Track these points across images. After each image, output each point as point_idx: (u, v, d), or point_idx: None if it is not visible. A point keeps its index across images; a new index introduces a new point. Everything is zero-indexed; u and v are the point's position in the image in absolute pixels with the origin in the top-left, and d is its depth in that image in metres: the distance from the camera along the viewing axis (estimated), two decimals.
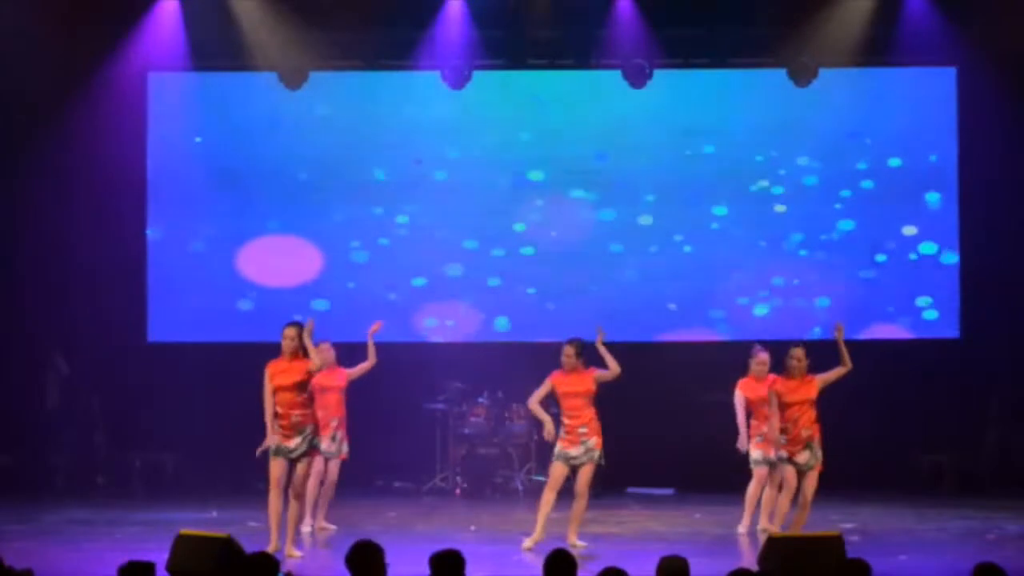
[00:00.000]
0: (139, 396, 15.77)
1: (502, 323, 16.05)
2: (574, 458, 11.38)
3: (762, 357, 12.24)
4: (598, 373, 11.48)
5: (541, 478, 15.39)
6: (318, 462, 12.21)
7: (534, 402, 11.61)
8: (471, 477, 15.40)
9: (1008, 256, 15.72)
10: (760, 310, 16.00)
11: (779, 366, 11.55)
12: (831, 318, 14.28)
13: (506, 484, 15.36)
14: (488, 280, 16.09)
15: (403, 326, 15.79)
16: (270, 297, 16.01)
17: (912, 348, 15.86)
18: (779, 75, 15.57)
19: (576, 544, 11.27)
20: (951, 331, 15.93)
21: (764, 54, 15.67)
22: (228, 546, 7.48)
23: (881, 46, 15.53)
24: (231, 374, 15.59)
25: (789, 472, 11.28)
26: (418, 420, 15.67)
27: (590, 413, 11.42)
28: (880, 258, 15.98)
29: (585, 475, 11.42)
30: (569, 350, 11.50)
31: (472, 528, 12.66)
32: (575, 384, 11.44)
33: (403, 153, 16.08)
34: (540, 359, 15.80)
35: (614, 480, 14.60)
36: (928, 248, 15.99)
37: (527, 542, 11.28)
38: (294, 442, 10.87)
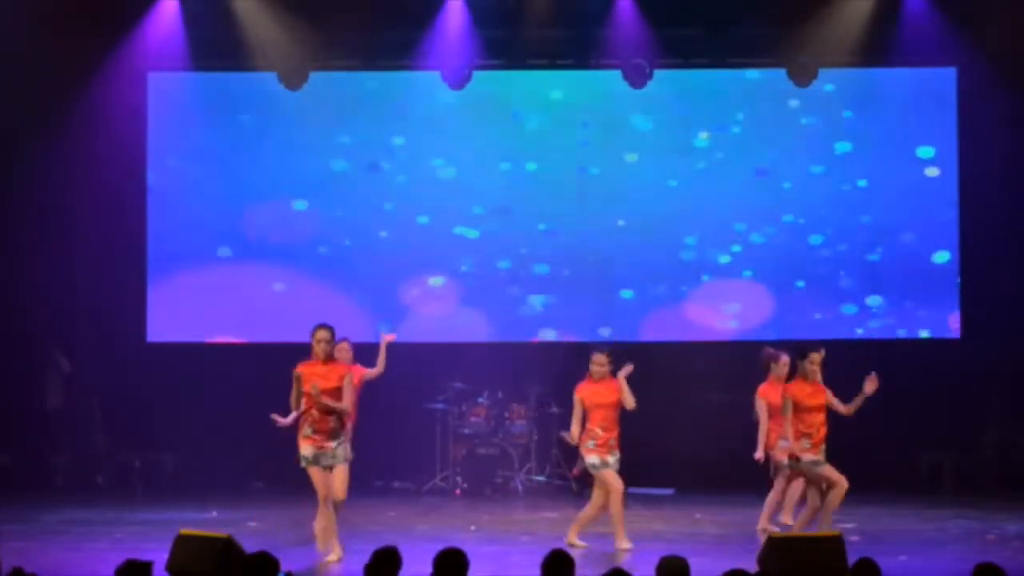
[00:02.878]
0: (139, 396, 15.77)
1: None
2: (612, 465, 11.28)
3: (786, 359, 11.94)
4: (623, 389, 11.28)
5: (541, 478, 15.41)
6: None
7: (575, 431, 11.26)
8: (471, 477, 15.38)
9: (1008, 256, 15.71)
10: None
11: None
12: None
13: (506, 484, 15.35)
14: (497, 264, 16.14)
15: (405, 322, 15.80)
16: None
17: (912, 348, 15.86)
18: (779, 75, 15.59)
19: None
20: (951, 331, 15.94)
21: (764, 54, 15.67)
22: (228, 546, 7.48)
23: (881, 46, 15.53)
24: (231, 374, 15.62)
25: (829, 470, 11.02)
26: (418, 420, 15.65)
27: (617, 425, 11.30)
28: (873, 257, 16.01)
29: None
30: (602, 359, 11.26)
31: (472, 528, 12.65)
32: (604, 395, 11.25)
33: (403, 152, 16.09)
34: (541, 359, 15.85)
35: None
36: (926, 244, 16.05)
37: (574, 538, 11.32)
38: (329, 447, 10.44)
